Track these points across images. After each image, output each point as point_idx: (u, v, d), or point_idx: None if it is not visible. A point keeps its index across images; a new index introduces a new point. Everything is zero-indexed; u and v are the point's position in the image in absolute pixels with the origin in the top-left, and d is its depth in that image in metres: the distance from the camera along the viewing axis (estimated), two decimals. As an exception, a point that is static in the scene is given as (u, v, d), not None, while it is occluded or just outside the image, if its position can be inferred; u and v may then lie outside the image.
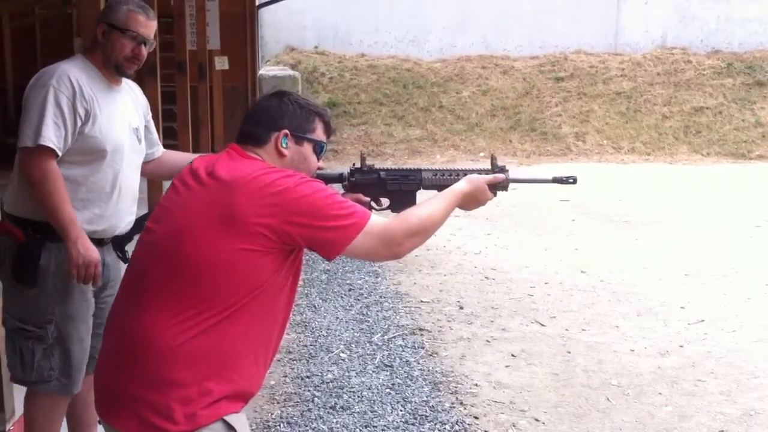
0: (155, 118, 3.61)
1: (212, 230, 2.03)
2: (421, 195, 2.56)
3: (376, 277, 6.87)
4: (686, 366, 5.00)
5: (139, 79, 3.43)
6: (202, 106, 12.18)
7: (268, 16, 16.61)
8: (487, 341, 5.41)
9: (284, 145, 2.21)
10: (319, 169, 2.33)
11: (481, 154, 15.05)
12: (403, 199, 2.62)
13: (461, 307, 6.13)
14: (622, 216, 9.67)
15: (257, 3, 15.57)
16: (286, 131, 2.21)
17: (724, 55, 17.18)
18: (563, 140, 15.36)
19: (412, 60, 16.97)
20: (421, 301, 6.26)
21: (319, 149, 2.28)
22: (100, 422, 2.15)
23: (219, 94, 13.85)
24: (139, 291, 2.11)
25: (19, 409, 4.08)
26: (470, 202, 2.42)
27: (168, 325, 2.02)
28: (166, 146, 3.53)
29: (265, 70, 15.53)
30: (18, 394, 4.06)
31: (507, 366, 4.98)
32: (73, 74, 2.96)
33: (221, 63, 12.89)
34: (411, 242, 2.15)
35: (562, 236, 8.61)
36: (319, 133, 2.28)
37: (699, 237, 8.59)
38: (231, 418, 2.06)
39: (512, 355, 5.15)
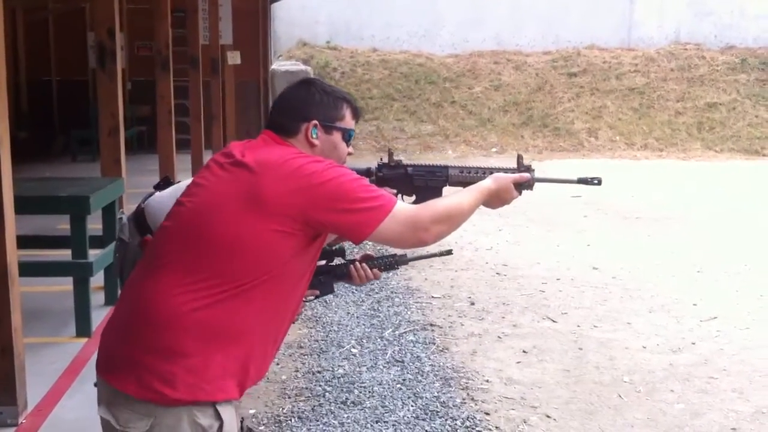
0: (168, 113, 3.60)
1: (238, 208, 2.05)
2: (447, 192, 2.56)
3: (388, 273, 6.86)
4: (698, 363, 4.98)
5: (153, 74, 3.42)
6: (214, 100, 12.22)
7: (281, 11, 16.65)
8: (499, 337, 5.41)
9: (314, 136, 2.22)
10: (349, 154, 2.35)
11: (494, 149, 15.02)
12: (429, 195, 2.62)
13: (472, 303, 6.12)
14: (635, 212, 9.63)
15: (270, -2, 15.61)
16: (316, 122, 2.22)
17: (738, 50, 17.10)
18: (576, 136, 15.32)
19: (424, 55, 16.95)
20: (433, 297, 6.26)
21: (347, 137, 2.30)
22: (95, 384, 2.14)
23: (231, 89, 13.88)
24: (155, 260, 2.13)
25: (32, 401, 4.10)
26: (495, 199, 2.42)
27: (175, 293, 2.04)
28: (177, 141, 3.53)
29: (278, 65, 15.54)
30: (31, 386, 4.08)
31: (518, 362, 4.98)
32: None
33: (233, 58, 12.92)
34: (437, 228, 2.15)
35: (574, 232, 8.59)
36: (348, 120, 2.30)
37: (712, 234, 8.55)
38: (222, 408, 2.06)
39: (523, 351, 5.14)
